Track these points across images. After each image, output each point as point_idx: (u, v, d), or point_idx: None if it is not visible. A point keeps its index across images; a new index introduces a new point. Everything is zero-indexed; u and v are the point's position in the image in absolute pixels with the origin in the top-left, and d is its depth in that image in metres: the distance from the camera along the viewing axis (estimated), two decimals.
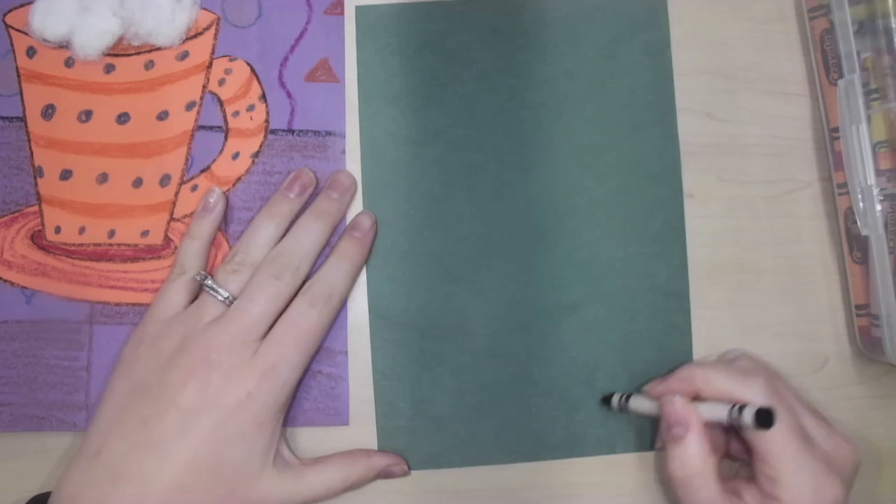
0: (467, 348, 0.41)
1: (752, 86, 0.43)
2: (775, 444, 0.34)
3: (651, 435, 0.41)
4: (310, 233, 0.38)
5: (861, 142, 0.39)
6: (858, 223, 0.40)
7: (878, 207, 0.39)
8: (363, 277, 0.41)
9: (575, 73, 0.43)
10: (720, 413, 0.35)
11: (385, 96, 0.42)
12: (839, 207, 0.42)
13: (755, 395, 0.35)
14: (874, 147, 0.39)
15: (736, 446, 0.38)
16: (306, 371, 0.39)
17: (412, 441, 0.40)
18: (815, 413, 0.37)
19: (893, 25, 0.38)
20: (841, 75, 0.40)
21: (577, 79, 0.43)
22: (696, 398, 0.36)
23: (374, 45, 0.42)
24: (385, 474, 0.39)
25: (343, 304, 0.39)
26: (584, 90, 0.42)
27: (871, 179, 0.39)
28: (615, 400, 0.40)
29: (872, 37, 0.39)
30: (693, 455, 0.35)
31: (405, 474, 0.40)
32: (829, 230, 0.43)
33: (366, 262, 0.40)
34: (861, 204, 0.39)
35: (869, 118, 0.39)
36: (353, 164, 0.41)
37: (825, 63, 0.42)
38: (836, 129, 0.41)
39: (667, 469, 0.36)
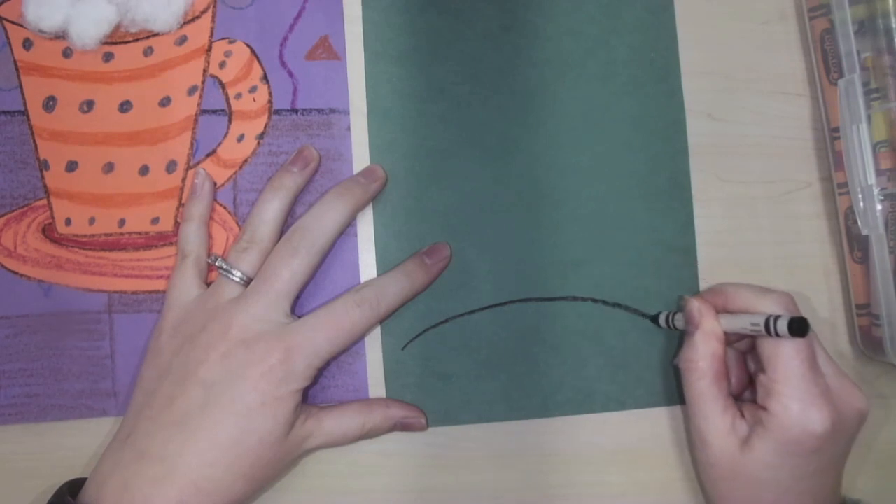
0: (473, 305, 0.41)
1: (752, 86, 0.44)
2: (783, 355, 0.35)
3: (658, 388, 0.42)
4: (330, 210, 0.38)
5: (861, 141, 0.39)
6: (859, 223, 0.40)
7: (879, 207, 0.39)
8: (371, 234, 0.41)
9: (578, 30, 0.43)
10: (742, 323, 0.36)
11: (391, 54, 0.42)
12: (839, 207, 0.43)
13: (776, 309, 0.36)
14: (874, 147, 0.40)
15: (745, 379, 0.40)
16: None
17: (420, 398, 0.41)
18: (831, 357, 0.38)
19: (894, 25, 0.39)
20: (841, 75, 0.40)
21: (581, 36, 0.43)
22: (726, 311, 0.38)
23: (380, 4, 0.42)
24: (402, 426, 0.40)
25: (388, 317, 0.39)
26: (588, 48, 0.43)
27: (872, 179, 0.39)
28: (662, 318, 0.41)
29: (873, 36, 0.39)
30: (696, 351, 0.37)
31: (423, 428, 0.40)
32: (829, 230, 0.44)
33: (426, 289, 0.41)
34: (861, 203, 0.40)
35: (869, 118, 0.39)
36: (359, 138, 0.42)
37: (825, 63, 0.42)
38: (836, 129, 0.42)
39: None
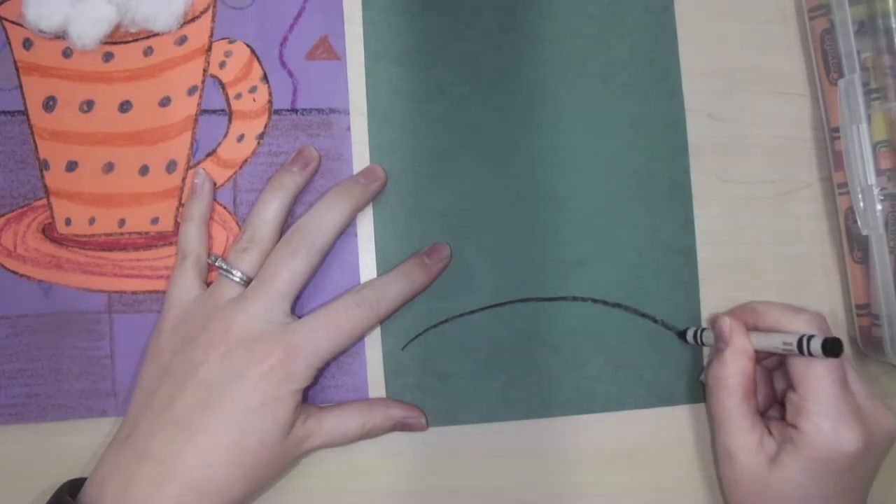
0: (474, 305, 0.41)
1: (752, 86, 0.44)
2: (814, 375, 0.35)
3: (658, 388, 0.42)
4: (330, 210, 0.38)
5: (861, 141, 0.39)
6: (859, 223, 0.40)
7: (879, 207, 0.39)
8: (371, 234, 0.41)
9: (578, 30, 0.43)
10: (774, 342, 0.36)
11: (391, 54, 0.42)
12: (839, 207, 0.43)
13: (809, 329, 0.36)
14: (874, 147, 0.40)
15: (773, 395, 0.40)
16: None
17: (420, 398, 0.41)
18: (861, 377, 0.38)
19: (893, 25, 0.39)
20: (841, 75, 0.40)
21: (581, 36, 0.43)
22: (756, 330, 0.38)
23: (380, 4, 0.42)
24: (403, 426, 0.40)
25: (388, 317, 0.39)
26: (588, 48, 0.43)
27: (872, 179, 0.39)
28: (690, 334, 0.41)
29: (873, 36, 0.39)
30: (726, 368, 0.37)
31: (423, 428, 0.40)
32: (829, 230, 0.44)
33: (426, 289, 0.41)
34: (861, 203, 0.40)
35: (869, 118, 0.39)
36: (359, 138, 0.41)
37: (825, 63, 0.42)
38: (836, 129, 0.42)
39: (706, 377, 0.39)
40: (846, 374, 0.36)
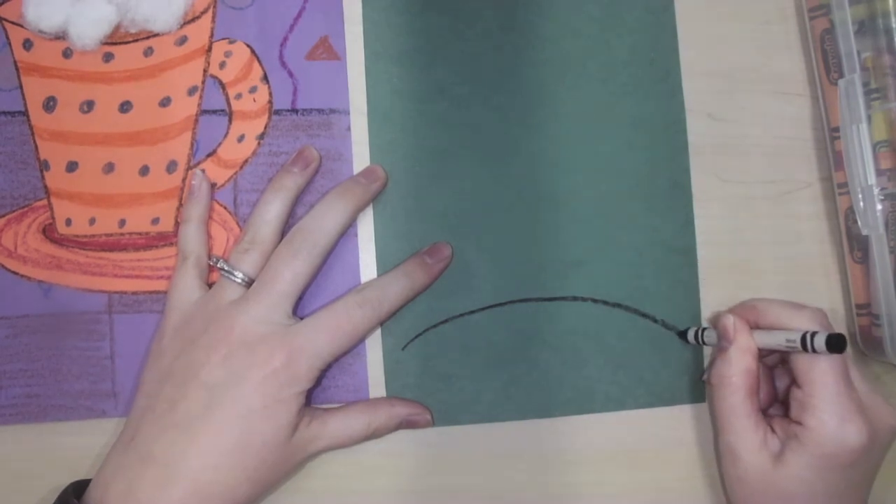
0: (474, 305, 0.41)
1: (753, 86, 0.44)
2: (818, 371, 0.35)
3: (658, 388, 0.42)
4: (331, 211, 0.38)
5: (861, 141, 0.39)
6: (859, 223, 0.40)
7: (879, 207, 0.39)
8: (371, 234, 0.41)
9: (578, 30, 0.43)
10: (777, 339, 0.36)
11: (391, 54, 0.42)
12: (839, 207, 0.43)
13: (811, 325, 0.36)
14: (874, 147, 0.40)
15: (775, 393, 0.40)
16: None
17: (420, 399, 0.41)
18: (861, 373, 0.38)
19: (894, 25, 0.39)
20: (841, 75, 0.40)
21: (581, 36, 0.43)
22: (758, 327, 0.38)
23: (380, 4, 0.42)
24: (408, 424, 0.39)
25: (389, 317, 0.39)
26: (588, 48, 0.43)
27: (872, 179, 0.39)
28: (691, 334, 0.41)
29: (873, 36, 0.39)
30: (731, 366, 0.37)
31: (428, 425, 0.40)
32: (829, 230, 0.44)
33: (427, 288, 0.41)
34: (861, 203, 0.40)
35: (869, 118, 0.39)
36: (360, 138, 0.42)
37: (825, 63, 0.42)
38: (836, 129, 0.42)
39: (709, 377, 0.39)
40: (848, 369, 0.37)
